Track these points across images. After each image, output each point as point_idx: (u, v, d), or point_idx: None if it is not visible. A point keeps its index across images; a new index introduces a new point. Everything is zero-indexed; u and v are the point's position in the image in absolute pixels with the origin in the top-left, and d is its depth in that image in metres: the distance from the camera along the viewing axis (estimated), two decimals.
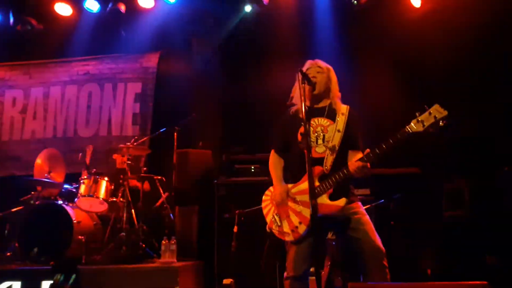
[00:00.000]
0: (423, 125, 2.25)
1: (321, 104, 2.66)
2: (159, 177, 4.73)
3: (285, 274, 2.59)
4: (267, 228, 2.64)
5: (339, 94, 2.68)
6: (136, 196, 4.54)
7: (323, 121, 2.60)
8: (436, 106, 2.26)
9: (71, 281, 1.20)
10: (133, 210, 4.40)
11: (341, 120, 2.56)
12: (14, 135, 6.01)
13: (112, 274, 3.66)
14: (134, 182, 4.66)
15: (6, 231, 4.46)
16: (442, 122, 2.24)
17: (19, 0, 5.50)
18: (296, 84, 2.57)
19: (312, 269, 2.55)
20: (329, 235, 3.73)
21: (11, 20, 5.51)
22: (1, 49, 6.01)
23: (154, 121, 5.76)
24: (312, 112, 2.59)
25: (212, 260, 4.18)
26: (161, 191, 4.69)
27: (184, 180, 4.66)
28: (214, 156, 4.96)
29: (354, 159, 2.42)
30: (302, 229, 2.47)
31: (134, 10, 5.50)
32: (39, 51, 6.08)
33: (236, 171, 4.55)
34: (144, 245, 4.20)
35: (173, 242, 3.88)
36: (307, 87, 2.48)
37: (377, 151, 2.34)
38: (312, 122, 2.58)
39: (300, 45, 5.04)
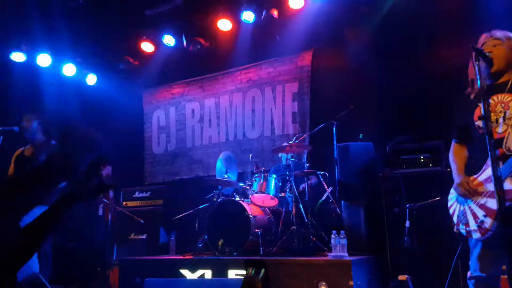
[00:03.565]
0: None
1: (503, 79, 2.32)
2: (322, 172, 4.83)
3: (468, 273, 2.36)
4: (454, 229, 2.42)
5: None
6: (302, 191, 4.74)
7: (505, 97, 2.26)
8: None
9: (261, 274, 1.36)
10: (300, 205, 4.59)
11: None
12: (195, 142, 6.94)
13: (288, 265, 3.85)
14: (299, 178, 4.87)
15: (197, 225, 5.17)
16: None
17: (188, 25, 6.30)
18: (471, 64, 2.31)
19: (503, 267, 2.29)
20: None
21: (184, 42, 6.36)
22: (179, 68, 7.00)
23: (313, 118, 5.89)
24: (491, 90, 2.29)
25: (383, 255, 4.06)
26: (325, 186, 4.78)
27: (347, 174, 4.65)
28: (376, 147, 4.81)
29: None
30: (488, 222, 2.19)
31: (285, 13, 5.72)
32: (209, 66, 6.86)
33: (403, 162, 4.32)
34: (314, 238, 4.34)
35: (342, 236, 3.92)
36: (482, 64, 2.20)
37: None
38: (491, 100, 2.27)
39: (467, 19, 4.45)
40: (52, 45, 6.39)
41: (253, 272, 1.44)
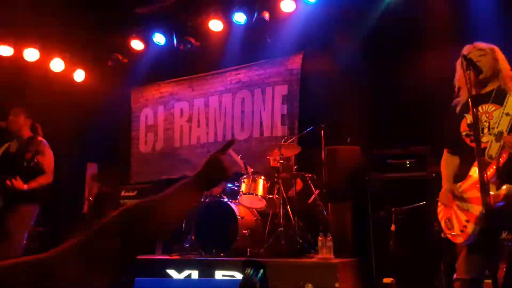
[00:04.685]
0: None
1: (487, 89, 2.40)
2: (310, 175, 4.87)
3: (454, 275, 2.42)
4: (442, 234, 2.50)
5: (511, 73, 2.37)
6: (290, 194, 4.77)
7: (489, 107, 2.34)
8: None
9: (259, 275, 1.37)
10: (288, 207, 4.62)
11: (511, 101, 2.27)
12: (184, 141, 6.91)
13: (275, 266, 3.86)
14: (287, 180, 4.90)
15: (183, 226, 5.14)
16: None
17: (179, 23, 6.28)
18: (459, 73, 2.37)
19: (487, 272, 2.36)
20: (504, 235, 3.33)
21: (175, 41, 6.33)
22: (169, 67, 6.97)
23: (301, 120, 5.93)
24: (477, 100, 2.36)
25: (369, 258, 4.12)
26: (313, 188, 4.82)
27: (334, 177, 4.70)
28: (363, 151, 4.88)
29: None
30: (470, 228, 2.27)
31: (277, 15, 5.76)
32: (199, 66, 6.85)
33: (389, 166, 4.39)
34: (301, 240, 4.37)
35: (329, 238, 3.95)
36: (472, 74, 2.26)
37: None
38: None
39: (456, 30, 4.55)
40: (40, 39, 6.29)
41: (251, 272, 1.45)
